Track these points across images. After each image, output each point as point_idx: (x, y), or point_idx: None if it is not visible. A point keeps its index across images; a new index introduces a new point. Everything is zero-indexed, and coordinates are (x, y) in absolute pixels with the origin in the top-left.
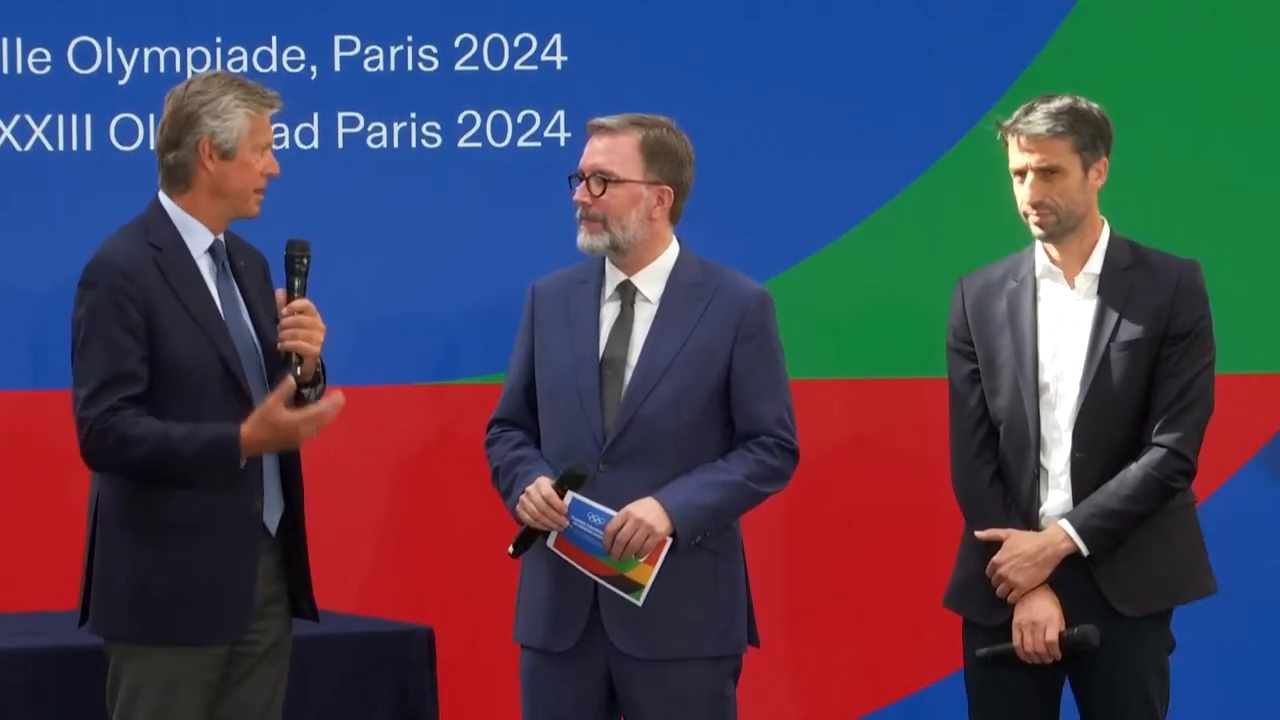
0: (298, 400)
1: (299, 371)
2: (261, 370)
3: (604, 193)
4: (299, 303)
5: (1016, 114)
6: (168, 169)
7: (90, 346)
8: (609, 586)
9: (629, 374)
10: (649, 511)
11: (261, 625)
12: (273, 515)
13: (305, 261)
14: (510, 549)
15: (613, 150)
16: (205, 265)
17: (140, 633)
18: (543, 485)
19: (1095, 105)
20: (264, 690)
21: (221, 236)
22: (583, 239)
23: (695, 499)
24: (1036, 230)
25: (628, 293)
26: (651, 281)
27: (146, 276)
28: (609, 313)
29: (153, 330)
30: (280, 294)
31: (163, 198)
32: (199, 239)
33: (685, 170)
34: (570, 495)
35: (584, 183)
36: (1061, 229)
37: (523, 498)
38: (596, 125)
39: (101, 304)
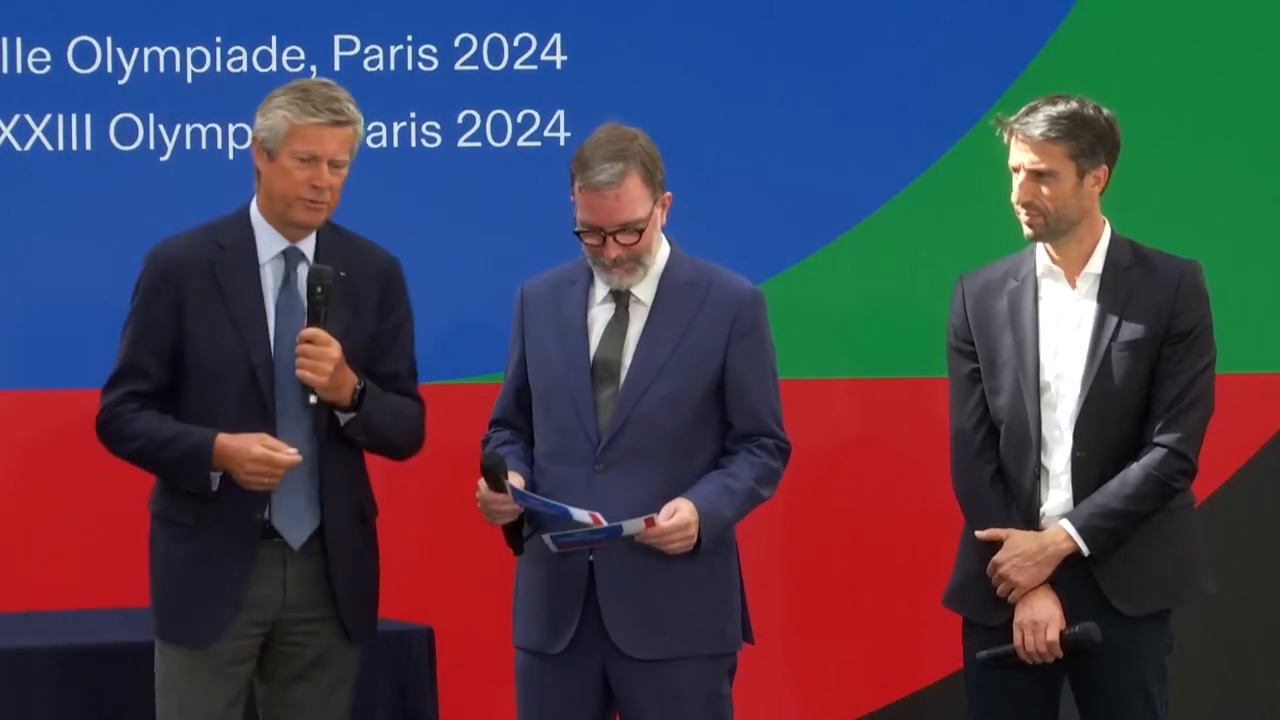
0: (330, 425)
1: (311, 400)
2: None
3: (637, 240)
4: (306, 331)
5: (1019, 112)
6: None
7: (123, 333)
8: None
9: (623, 375)
10: (693, 521)
11: (297, 637)
12: (299, 530)
13: (320, 290)
14: (513, 550)
15: (625, 200)
16: (271, 270)
17: (154, 627)
18: (481, 487)
19: (1105, 111)
20: (318, 694)
21: (303, 245)
22: (617, 280)
23: (724, 512)
24: (1025, 230)
25: (622, 295)
26: (644, 282)
27: (190, 272)
28: (603, 314)
29: (184, 328)
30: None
31: (252, 200)
32: (268, 243)
33: (661, 162)
34: (525, 499)
35: (609, 238)
36: (1049, 231)
37: (479, 504)
38: (594, 185)
39: (137, 294)
